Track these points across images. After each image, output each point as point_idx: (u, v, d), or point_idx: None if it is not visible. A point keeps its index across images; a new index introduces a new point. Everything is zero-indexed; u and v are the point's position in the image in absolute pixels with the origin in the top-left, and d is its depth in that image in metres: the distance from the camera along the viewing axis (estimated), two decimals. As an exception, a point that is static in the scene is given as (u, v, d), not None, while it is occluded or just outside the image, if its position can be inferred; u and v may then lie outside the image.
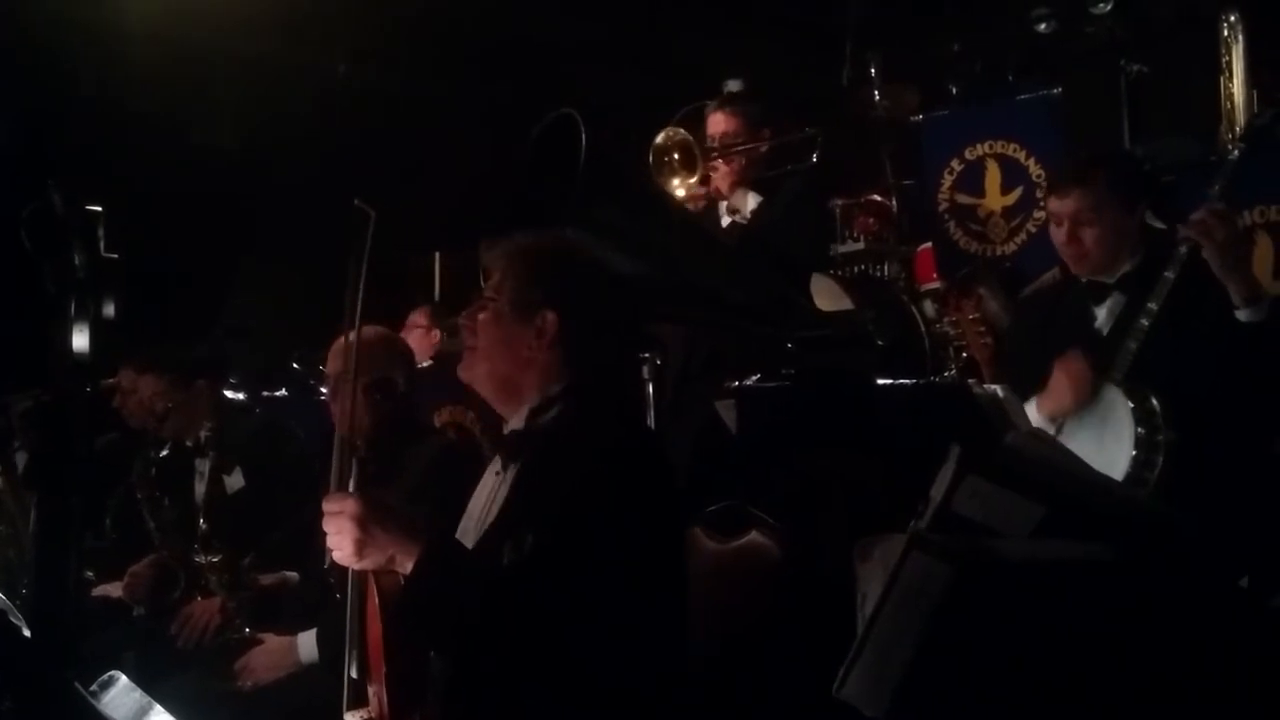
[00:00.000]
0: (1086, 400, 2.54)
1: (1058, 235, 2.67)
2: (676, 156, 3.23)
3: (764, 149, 3.36)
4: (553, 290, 1.86)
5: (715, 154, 3.31)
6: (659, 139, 3.22)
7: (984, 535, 1.75)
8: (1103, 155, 2.94)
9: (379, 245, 1.70)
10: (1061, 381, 2.57)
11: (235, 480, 3.13)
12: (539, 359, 1.84)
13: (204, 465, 3.20)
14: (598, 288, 1.92)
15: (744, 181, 3.32)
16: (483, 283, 1.96)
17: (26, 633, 1.47)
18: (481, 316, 1.88)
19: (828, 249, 3.77)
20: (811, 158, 3.31)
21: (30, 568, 2.98)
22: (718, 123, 3.37)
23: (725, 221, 3.35)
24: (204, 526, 2.89)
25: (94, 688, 1.50)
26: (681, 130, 3.24)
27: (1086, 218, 2.61)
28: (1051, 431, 2.54)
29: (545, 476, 1.76)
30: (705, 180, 3.29)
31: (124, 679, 1.56)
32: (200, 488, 3.16)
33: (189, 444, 3.24)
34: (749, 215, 3.27)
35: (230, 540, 2.94)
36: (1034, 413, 2.61)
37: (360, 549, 1.64)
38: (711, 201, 3.34)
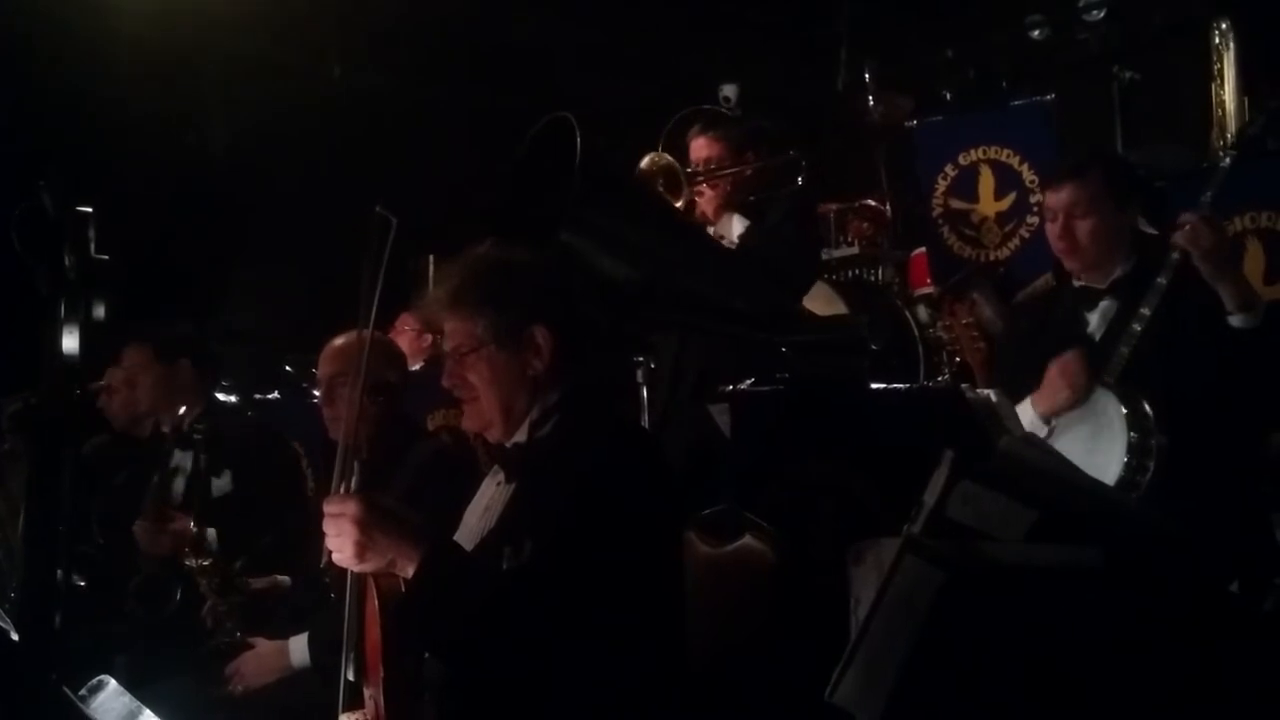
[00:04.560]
0: (1082, 397, 2.54)
1: (1052, 230, 2.67)
2: (661, 181, 3.21)
3: (748, 173, 3.32)
4: (528, 304, 1.82)
5: (700, 179, 3.29)
6: (644, 163, 3.20)
7: (977, 539, 1.75)
8: (1097, 152, 2.95)
9: (396, 251, 1.69)
10: (1057, 378, 2.57)
11: (224, 484, 3.09)
12: (541, 375, 1.83)
13: (184, 459, 3.13)
14: (567, 284, 1.89)
15: (730, 206, 3.29)
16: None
17: (15, 637, 1.46)
18: (472, 370, 1.82)
19: (817, 271, 3.74)
20: (796, 181, 3.30)
21: (19, 571, 2.96)
22: (700, 148, 3.33)
23: None
24: (194, 529, 2.88)
25: (83, 692, 1.49)
26: (666, 156, 3.21)
27: (1080, 210, 2.62)
28: (1044, 435, 2.55)
29: (544, 485, 1.76)
30: (691, 205, 3.27)
31: (113, 683, 1.55)
32: (180, 483, 3.12)
33: (165, 429, 3.20)
34: (736, 240, 3.26)
35: (221, 543, 2.92)
36: (1028, 413, 2.61)
37: (361, 552, 1.63)
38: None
